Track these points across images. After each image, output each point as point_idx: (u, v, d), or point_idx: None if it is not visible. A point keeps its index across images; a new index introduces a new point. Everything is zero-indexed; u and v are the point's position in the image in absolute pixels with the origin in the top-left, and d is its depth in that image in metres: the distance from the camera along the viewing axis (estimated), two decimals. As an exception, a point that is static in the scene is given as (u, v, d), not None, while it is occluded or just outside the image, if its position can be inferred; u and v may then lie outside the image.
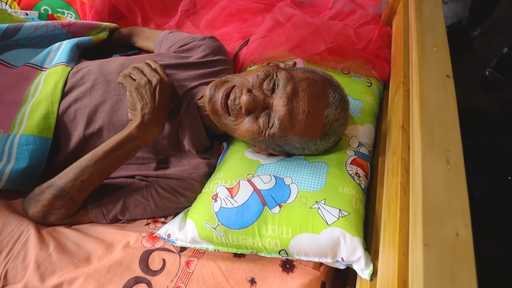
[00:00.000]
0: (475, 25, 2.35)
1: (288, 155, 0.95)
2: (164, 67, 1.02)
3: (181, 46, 1.14)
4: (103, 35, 1.25)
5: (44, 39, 1.14)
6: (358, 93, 1.11)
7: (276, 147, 0.91)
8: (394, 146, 0.89)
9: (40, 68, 1.06)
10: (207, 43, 1.13)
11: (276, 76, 0.86)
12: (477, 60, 2.33)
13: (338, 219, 0.81)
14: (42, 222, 0.91)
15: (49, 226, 0.92)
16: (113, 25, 1.29)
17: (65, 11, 1.35)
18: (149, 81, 0.88)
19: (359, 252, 0.79)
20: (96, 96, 0.97)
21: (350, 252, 0.80)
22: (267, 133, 0.86)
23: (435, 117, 0.66)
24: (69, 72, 1.02)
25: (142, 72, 0.89)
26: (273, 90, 0.86)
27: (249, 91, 0.86)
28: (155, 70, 0.90)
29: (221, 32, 1.32)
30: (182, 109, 0.99)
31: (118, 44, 1.32)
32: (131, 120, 0.87)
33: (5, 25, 1.04)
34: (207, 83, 1.03)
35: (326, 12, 1.37)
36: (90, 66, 1.04)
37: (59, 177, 0.86)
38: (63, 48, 1.10)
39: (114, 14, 1.38)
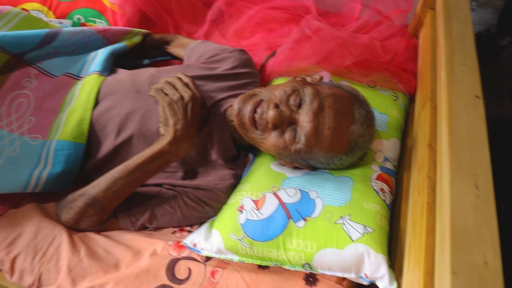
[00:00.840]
0: (504, 33, 2.31)
1: (314, 168, 0.96)
2: (193, 78, 1.05)
3: (210, 57, 1.16)
4: (137, 39, 1.29)
5: (81, 46, 1.18)
6: (383, 107, 1.12)
7: (302, 161, 0.92)
8: (420, 163, 0.89)
9: (77, 77, 1.11)
10: (236, 55, 1.15)
11: (303, 91, 0.88)
12: (505, 70, 2.29)
13: (362, 235, 0.82)
14: (73, 228, 0.95)
15: (80, 232, 0.95)
16: (145, 31, 1.33)
17: (96, 20, 1.39)
18: (182, 97, 0.90)
19: (383, 269, 0.80)
20: (127, 106, 1.00)
21: (374, 269, 0.80)
22: (292, 148, 0.87)
23: (464, 139, 0.66)
24: (102, 81, 1.06)
25: (174, 87, 0.92)
26: (299, 106, 0.87)
27: (276, 106, 0.88)
28: (186, 85, 0.93)
29: (248, 43, 1.34)
30: (210, 120, 1.01)
31: (150, 48, 1.36)
32: (163, 135, 0.90)
33: (45, 31, 1.08)
34: (235, 95, 1.05)
35: (352, 23, 1.37)
36: (122, 76, 1.07)
37: (91, 187, 0.90)
38: (98, 58, 1.14)
39: (144, 22, 1.42)
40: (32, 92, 1.02)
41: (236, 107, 0.92)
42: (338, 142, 0.87)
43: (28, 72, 1.05)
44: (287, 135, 0.87)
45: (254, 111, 0.89)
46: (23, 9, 1.38)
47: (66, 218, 0.92)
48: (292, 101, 0.87)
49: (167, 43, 1.35)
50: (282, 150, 0.89)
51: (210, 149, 1.01)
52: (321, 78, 0.99)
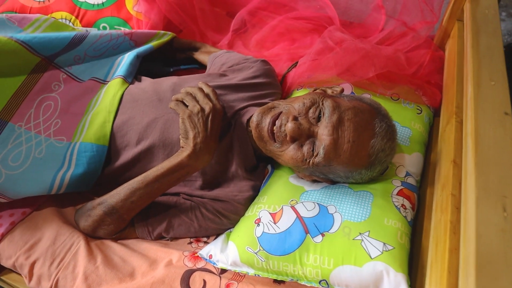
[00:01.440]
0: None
1: (333, 182, 0.94)
2: (215, 88, 1.05)
3: (232, 65, 1.17)
4: (165, 38, 1.32)
5: (109, 49, 1.20)
6: (407, 120, 1.09)
7: (320, 174, 0.91)
8: (444, 180, 0.86)
9: (103, 81, 1.14)
10: (258, 65, 1.15)
11: (322, 104, 0.86)
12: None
13: (382, 253, 0.80)
14: (91, 236, 0.95)
15: (97, 239, 0.96)
16: (172, 33, 1.35)
17: (121, 28, 1.41)
18: (202, 109, 0.89)
19: (403, 289, 0.77)
20: (149, 114, 1.00)
21: (394, 288, 0.78)
22: (311, 161, 0.86)
23: (490, 158, 0.63)
24: (126, 88, 1.08)
25: (195, 98, 0.92)
26: (318, 119, 0.86)
27: (295, 118, 0.87)
28: (207, 96, 0.93)
29: (270, 53, 1.33)
30: (231, 130, 1.00)
31: (177, 51, 1.38)
32: (182, 147, 0.89)
33: (73, 33, 1.11)
34: (255, 105, 1.04)
35: (376, 34, 1.35)
36: (145, 85, 1.08)
37: (110, 196, 0.90)
38: (124, 62, 1.16)
39: (169, 30, 1.43)
40: (60, 95, 1.04)
41: (255, 120, 0.91)
42: (358, 156, 0.85)
43: (57, 76, 1.07)
44: (306, 148, 0.86)
45: (273, 123, 0.89)
46: (52, 17, 1.41)
47: (84, 225, 0.93)
48: (311, 113, 0.86)
49: (195, 49, 1.36)
50: (300, 163, 0.87)
51: (231, 159, 1.00)
52: (342, 90, 0.98)
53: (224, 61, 1.21)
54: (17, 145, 0.93)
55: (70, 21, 1.42)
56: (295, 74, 1.18)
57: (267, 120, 0.89)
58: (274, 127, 0.88)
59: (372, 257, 0.79)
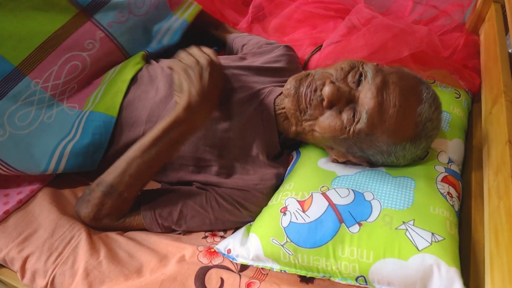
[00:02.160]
0: None
1: (369, 164, 0.84)
2: (234, 67, 0.95)
3: (253, 48, 1.10)
4: (195, 8, 1.18)
5: (151, 8, 1.08)
6: (445, 104, 0.97)
7: (358, 150, 0.80)
8: (498, 163, 0.75)
9: (127, 54, 1.04)
10: (282, 50, 1.08)
11: (362, 68, 0.78)
12: None
13: (431, 244, 0.68)
14: (95, 225, 0.84)
15: (101, 232, 0.85)
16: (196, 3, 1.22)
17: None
18: (198, 62, 0.81)
19: (457, 286, 0.65)
20: (162, 92, 0.92)
21: (445, 285, 0.66)
22: (352, 129, 0.76)
23: None
24: (144, 64, 1.00)
25: (191, 54, 0.84)
26: (359, 83, 0.77)
27: (332, 82, 0.77)
28: (205, 52, 0.84)
29: (291, 38, 1.24)
30: (251, 109, 0.90)
31: (204, 23, 1.28)
32: (177, 102, 0.80)
33: None
34: (279, 86, 0.95)
35: (405, 19, 1.25)
36: (163, 63, 1.00)
37: (107, 173, 0.80)
38: (156, 41, 1.09)
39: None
40: (91, 57, 0.93)
41: (290, 85, 0.82)
42: (404, 124, 0.75)
43: (93, 33, 0.95)
44: (345, 115, 0.77)
45: (309, 87, 0.80)
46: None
47: (85, 213, 0.82)
48: (350, 78, 0.78)
49: (216, 27, 1.28)
50: (339, 132, 0.77)
51: (251, 142, 0.90)
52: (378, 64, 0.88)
53: (246, 42, 1.13)
54: (28, 103, 0.84)
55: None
56: (320, 57, 1.08)
57: (305, 84, 0.81)
58: (307, 91, 0.79)
59: (420, 249, 0.68)
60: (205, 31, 1.28)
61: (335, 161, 0.86)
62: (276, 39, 1.22)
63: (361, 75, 0.77)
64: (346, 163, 0.85)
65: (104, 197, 0.79)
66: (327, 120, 0.78)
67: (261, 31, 1.28)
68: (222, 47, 1.27)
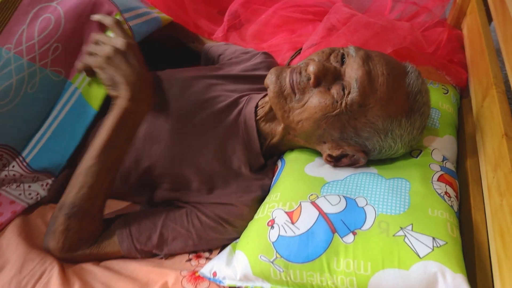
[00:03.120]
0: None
1: (366, 154, 0.78)
2: (211, 77, 0.90)
3: (230, 58, 1.04)
4: (167, 16, 1.03)
5: None
6: (433, 101, 0.93)
7: (353, 134, 0.75)
8: (496, 158, 0.71)
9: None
10: (260, 57, 1.02)
11: (343, 49, 0.76)
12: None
13: (432, 250, 0.63)
14: (67, 257, 0.76)
15: (75, 264, 0.77)
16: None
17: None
18: (115, 49, 0.73)
19: (465, 294, 0.60)
20: None
21: (452, 294, 0.60)
22: (344, 101, 0.72)
23: None
24: None
25: (102, 42, 0.75)
26: (342, 62, 0.75)
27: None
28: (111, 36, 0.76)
29: (270, 44, 1.19)
30: (230, 119, 0.85)
31: (179, 34, 1.19)
32: (116, 97, 0.74)
33: None
34: (257, 93, 0.90)
35: (382, 16, 1.22)
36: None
37: (65, 195, 0.73)
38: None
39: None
40: (62, 5, 0.81)
41: (273, 75, 0.77)
42: (396, 94, 0.73)
43: None
44: (335, 89, 0.73)
45: (293, 73, 0.77)
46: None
47: (53, 245, 0.74)
48: (332, 58, 0.76)
49: (193, 40, 1.20)
50: (330, 108, 0.72)
51: (232, 154, 0.84)
52: None
53: (222, 52, 1.08)
54: (5, 75, 0.75)
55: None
56: (300, 60, 1.03)
57: (288, 72, 0.77)
58: (293, 76, 0.76)
59: (421, 256, 0.62)
60: (180, 45, 1.22)
61: (328, 159, 0.80)
62: (254, 46, 1.18)
63: (343, 55, 0.75)
64: (339, 162, 0.80)
65: (69, 220, 0.72)
66: (316, 98, 0.74)
67: (238, 39, 1.23)
68: (199, 60, 1.22)
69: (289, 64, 1.09)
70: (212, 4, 1.47)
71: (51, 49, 0.78)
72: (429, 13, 1.16)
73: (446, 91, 0.99)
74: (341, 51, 0.76)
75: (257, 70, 0.99)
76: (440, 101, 0.95)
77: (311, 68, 0.72)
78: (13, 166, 0.81)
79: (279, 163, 0.87)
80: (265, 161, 0.88)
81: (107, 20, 0.77)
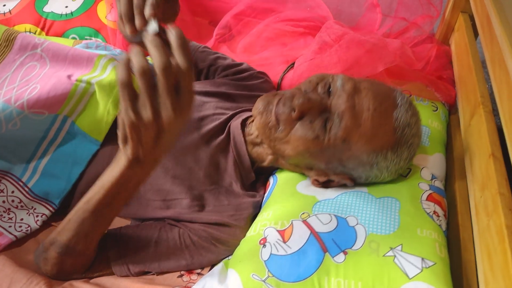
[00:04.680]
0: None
1: (352, 181, 0.79)
2: (205, 93, 0.92)
3: (226, 75, 1.00)
4: None
5: None
6: (423, 118, 0.94)
7: (338, 165, 0.76)
8: (484, 179, 0.72)
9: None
10: (257, 78, 1.02)
11: (332, 79, 0.75)
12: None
13: (422, 270, 0.64)
14: (60, 279, 0.76)
15: (65, 281, 0.76)
16: None
17: (93, 38, 1.27)
18: (155, 118, 0.50)
19: (453, 314, 0.61)
20: None
21: (440, 314, 0.62)
22: (326, 138, 0.72)
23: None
24: None
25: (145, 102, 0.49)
26: (329, 93, 0.74)
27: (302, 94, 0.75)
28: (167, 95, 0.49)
29: (261, 57, 1.20)
30: (221, 137, 0.85)
31: None
32: (120, 152, 0.59)
33: None
34: (249, 110, 0.90)
35: (374, 32, 1.24)
36: None
37: (59, 233, 0.69)
38: None
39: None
40: (45, 52, 0.81)
41: (260, 105, 0.78)
42: (382, 129, 0.72)
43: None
44: (317, 124, 0.73)
45: (279, 105, 0.77)
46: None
47: (46, 270, 0.74)
48: (320, 89, 0.75)
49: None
50: (311, 143, 0.73)
51: (223, 171, 0.84)
52: None
53: (212, 63, 1.03)
54: None
55: (35, 33, 1.27)
56: (293, 76, 1.05)
57: (275, 102, 0.77)
58: (277, 108, 0.76)
59: (410, 277, 0.63)
60: None
61: (316, 183, 0.81)
62: (244, 58, 1.18)
63: (330, 85, 0.75)
64: (326, 185, 0.80)
65: (62, 257, 0.70)
66: (298, 131, 0.74)
67: (228, 51, 1.23)
68: None
69: (282, 79, 1.09)
70: (203, 15, 1.47)
71: (28, 90, 0.76)
72: (418, 28, 1.18)
73: (436, 109, 1.01)
74: (330, 80, 0.76)
75: (252, 90, 0.99)
76: (430, 118, 0.97)
77: (296, 102, 0.73)
78: (13, 192, 0.80)
79: (271, 180, 0.88)
80: (257, 177, 0.88)
81: (173, 38, 0.49)
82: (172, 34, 0.49)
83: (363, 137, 0.72)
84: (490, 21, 0.83)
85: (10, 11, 1.29)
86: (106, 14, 1.29)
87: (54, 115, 0.79)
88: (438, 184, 0.82)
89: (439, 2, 1.22)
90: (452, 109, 1.07)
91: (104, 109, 0.80)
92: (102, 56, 0.82)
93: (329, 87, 0.75)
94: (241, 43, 1.27)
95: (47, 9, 1.29)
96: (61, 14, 1.28)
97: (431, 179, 0.82)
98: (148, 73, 0.47)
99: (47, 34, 1.28)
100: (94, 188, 0.64)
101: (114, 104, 0.80)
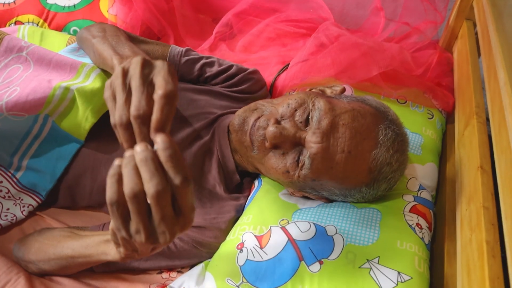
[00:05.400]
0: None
1: (329, 200, 0.78)
2: (194, 90, 0.89)
3: (226, 80, 0.95)
4: None
5: None
6: (417, 125, 0.93)
7: (312, 191, 0.75)
8: (471, 191, 0.70)
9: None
10: (249, 75, 0.96)
11: (313, 105, 0.71)
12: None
13: (396, 284, 0.62)
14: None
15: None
16: None
17: (93, 33, 1.27)
18: (143, 227, 0.41)
19: (427, 332, 0.59)
20: None
21: (414, 331, 0.60)
22: (296, 174, 0.70)
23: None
24: None
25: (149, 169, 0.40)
26: (307, 123, 0.70)
27: (277, 122, 0.71)
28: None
29: (258, 56, 1.18)
30: (206, 137, 0.84)
31: None
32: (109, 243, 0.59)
33: None
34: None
35: (377, 36, 1.21)
36: None
37: (39, 260, 0.71)
38: None
39: (146, 36, 1.29)
40: (31, 55, 0.80)
41: (236, 122, 0.77)
42: (356, 171, 0.68)
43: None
44: (290, 158, 0.70)
45: (255, 125, 0.74)
46: (18, 21, 1.28)
47: (26, 268, 0.75)
48: (297, 116, 0.71)
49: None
50: (282, 176, 0.72)
51: (207, 173, 0.83)
52: (343, 90, 0.82)
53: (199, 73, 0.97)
54: None
55: (38, 24, 1.28)
56: (286, 77, 1.03)
57: (250, 122, 0.75)
58: (251, 130, 0.74)
59: (385, 291, 0.62)
60: None
61: (293, 195, 0.80)
62: (242, 57, 1.17)
63: (309, 114, 0.70)
64: (307, 197, 0.79)
65: (42, 272, 0.74)
66: (270, 161, 0.73)
67: (227, 49, 1.22)
68: None
69: (276, 79, 1.08)
70: (206, 12, 1.46)
71: (8, 92, 0.75)
72: (421, 34, 1.15)
73: (431, 116, 0.98)
74: (310, 107, 0.71)
75: (244, 94, 0.96)
76: (424, 126, 0.94)
77: (269, 132, 0.70)
78: (1, 182, 0.81)
79: (256, 183, 0.87)
80: (242, 178, 0.87)
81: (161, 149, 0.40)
82: (160, 144, 0.39)
83: (334, 178, 0.69)
84: (488, 32, 0.81)
85: (14, 1, 1.30)
86: (108, 8, 1.29)
87: (35, 115, 0.79)
88: (425, 195, 0.80)
89: (444, 8, 1.19)
90: (449, 118, 1.04)
91: (82, 115, 0.79)
92: (86, 64, 0.81)
93: (308, 115, 0.71)
94: (241, 41, 1.26)
95: (50, 0, 1.29)
96: (64, 6, 1.29)
97: (418, 190, 0.80)
98: (140, 196, 0.39)
99: (49, 25, 1.28)
100: (79, 251, 0.65)
101: (93, 112, 0.79)
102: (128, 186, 0.39)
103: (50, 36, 1.13)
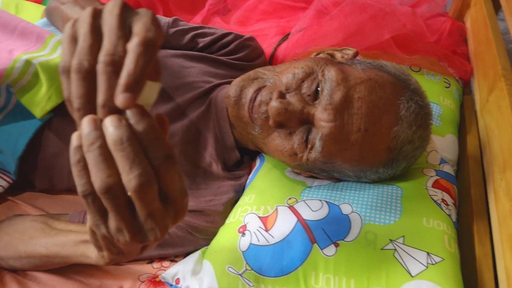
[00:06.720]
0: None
1: (340, 181, 0.69)
2: (187, 57, 0.79)
3: (221, 48, 0.87)
4: None
5: None
6: (434, 95, 0.85)
7: (321, 171, 0.66)
8: (505, 159, 0.61)
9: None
10: (244, 42, 0.87)
11: (322, 75, 0.61)
12: None
13: (427, 267, 0.54)
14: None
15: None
16: None
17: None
18: (118, 229, 0.34)
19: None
20: None
21: (448, 320, 0.51)
22: (304, 157, 0.61)
23: None
24: None
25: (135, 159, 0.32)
26: (316, 96, 0.60)
27: (282, 95, 0.61)
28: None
29: (255, 29, 1.09)
30: (201, 109, 0.74)
31: None
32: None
33: None
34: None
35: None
36: None
37: (9, 258, 0.63)
38: None
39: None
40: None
41: (233, 93, 0.66)
42: (373, 151, 0.60)
43: None
44: (297, 138, 0.61)
45: (255, 99, 0.64)
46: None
47: None
48: (305, 89, 0.61)
49: None
50: (288, 158, 0.63)
51: (203, 149, 0.74)
52: (356, 54, 0.72)
53: (190, 45, 0.88)
54: None
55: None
56: (287, 46, 0.94)
57: (249, 95, 0.65)
58: (252, 105, 0.64)
59: (413, 275, 0.54)
60: None
61: (300, 174, 0.71)
62: (238, 30, 1.08)
63: (318, 85, 0.61)
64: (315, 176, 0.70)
65: (13, 269, 0.65)
66: (274, 142, 0.63)
67: (221, 22, 1.13)
68: None
69: (276, 49, 0.98)
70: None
71: None
72: (430, 3, 1.06)
73: (448, 85, 0.90)
74: (319, 77, 0.61)
75: (240, 59, 0.87)
76: (442, 95, 0.86)
77: (272, 109, 0.60)
78: None
79: (258, 160, 0.78)
80: (242, 155, 0.78)
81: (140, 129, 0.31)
82: (129, 115, 0.30)
83: (348, 160, 0.61)
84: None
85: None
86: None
87: None
88: (448, 169, 0.71)
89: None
90: (465, 89, 0.96)
91: (45, 93, 0.69)
92: (55, 35, 0.72)
93: (318, 87, 0.61)
94: (235, 16, 1.17)
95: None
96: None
97: (439, 164, 0.71)
98: (115, 190, 0.30)
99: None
100: (56, 249, 0.58)
101: (58, 91, 0.69)
102: (97, 180, 0.30)
103: (26, 9, 1.03)
